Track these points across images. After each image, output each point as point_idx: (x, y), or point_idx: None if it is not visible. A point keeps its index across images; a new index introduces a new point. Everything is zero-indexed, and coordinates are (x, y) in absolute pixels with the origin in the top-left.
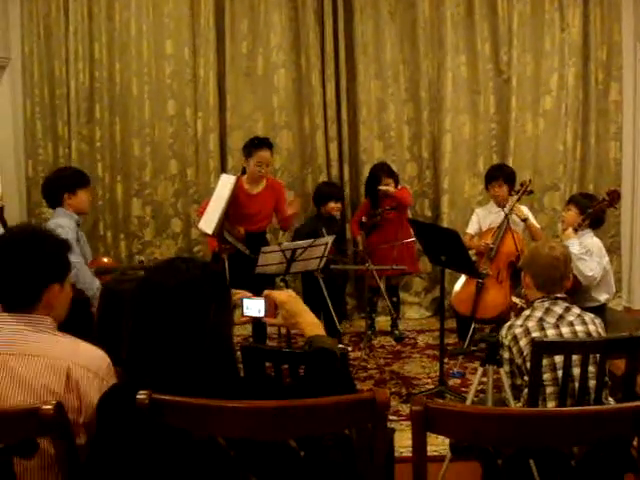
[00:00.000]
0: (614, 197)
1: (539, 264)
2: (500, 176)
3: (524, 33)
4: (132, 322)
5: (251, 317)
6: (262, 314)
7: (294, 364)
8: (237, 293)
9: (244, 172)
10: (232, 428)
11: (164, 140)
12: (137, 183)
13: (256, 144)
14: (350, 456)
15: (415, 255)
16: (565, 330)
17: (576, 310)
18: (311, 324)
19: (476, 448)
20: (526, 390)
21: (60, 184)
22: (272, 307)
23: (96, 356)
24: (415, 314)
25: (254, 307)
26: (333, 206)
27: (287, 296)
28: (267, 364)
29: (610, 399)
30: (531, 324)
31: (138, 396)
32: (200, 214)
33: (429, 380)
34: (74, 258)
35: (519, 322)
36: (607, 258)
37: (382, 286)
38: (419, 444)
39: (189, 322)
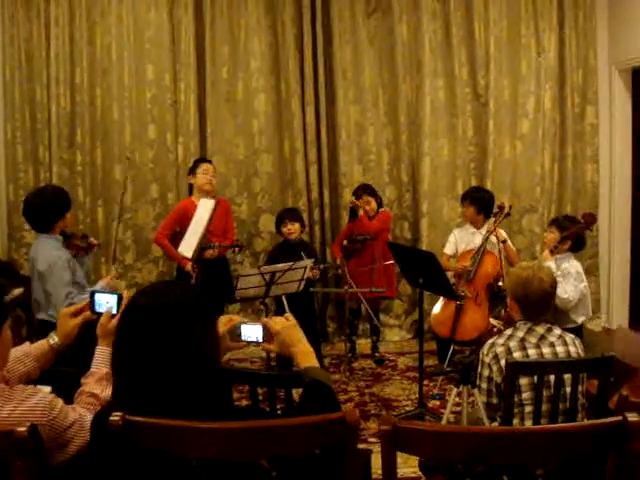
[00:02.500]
0: (589, 220)
1: (529, 297)
2: (466, 198)
3: (501, 57)
4: (120, 346)
5: (248, 343)
6: (260, 340)
7: (272, 387)
8: (232, 319)
9: (191, 193)
10: (204, 449)
11: (145, 164)
12: (118, 207)
13: (199, 160)
14: (323, 476)
15: (393, 280)
16: (546, 350)
17: (557, 331)
18: (304, 353)
19: (445, 466)
20: None
21: (51, 212)
22: (270, 333)
23: (30, 410)
24: (395, 336)
25: (252, 333)
26: (288, 228)
27: (281, 326)
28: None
29: (585, 420)
30: (513, 344)
31: (111, 418)
32: (162, 235)
33: (409, 402)
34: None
35: (501, 341)
36: (585, 282)
37: (364, 308)
38: (389, 463)
39: (175, 343)
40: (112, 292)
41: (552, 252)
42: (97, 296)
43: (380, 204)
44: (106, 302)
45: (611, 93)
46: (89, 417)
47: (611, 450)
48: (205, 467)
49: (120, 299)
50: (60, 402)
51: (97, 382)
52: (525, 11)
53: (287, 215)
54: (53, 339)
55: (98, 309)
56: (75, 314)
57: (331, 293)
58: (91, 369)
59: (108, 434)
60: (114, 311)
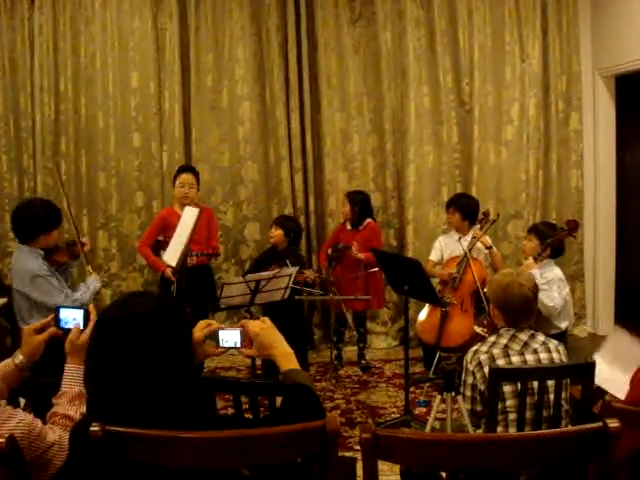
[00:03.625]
0: (572, 227)
1: (510, 302)
2: (452, 205)
3: (485, 64)
4: (93, 358)
5: (227, 348)
6: (238, 345)
7: (254, 395)
8: (211, 324)
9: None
10: (184, 458)
11: (130, 173)
12: (103, 216)
13: (179, 170)
14: None
15: (381, 290)
16: (529, 357)
17: (541, 337)
18: (284, 356)
19: (426, 474)
20: None
21: (37, 226)
22: (248, 338)
23: (10, 432)
24: (382, 343)
25: (230, 338)
26: (271, 232)
27: (260, 328)
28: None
29: (569, 427)
30: (496, 351)
31: (91, 428)
32: (143, 244)
33: (395, 409)
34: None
35: (484, 348)
36: (567, 289)
37: (349, 317)
38: (369, 472)
39: (146, 354)
40: (78, 307)
41: (536, 260)
42: (62, 311)
43: (365, 214)
44: (73, 318)
45: (595, 99)
46: (66, 438)
47: (592, 456)
48: (185, 476)
49: (87, 314)
50: (39, 423)
51: (70, 403)
52: (509, 18)
53: (276, 220)
54: (18, 358)
55: (64, 325)
56: (40, 330)
57: (317, 301)
58: (62, 388)
59: (87, 446)
60: (81, 326)
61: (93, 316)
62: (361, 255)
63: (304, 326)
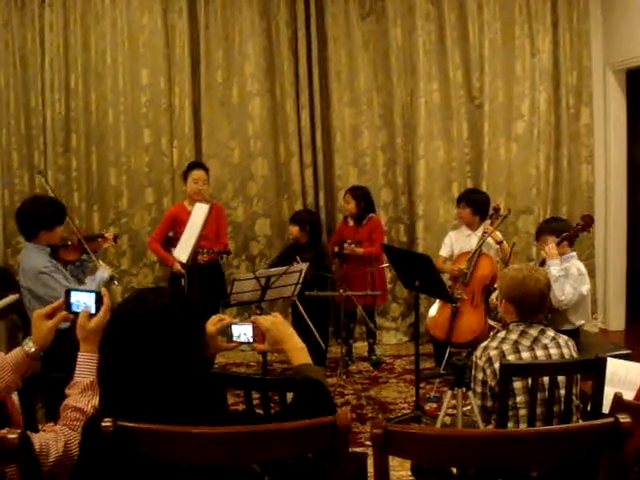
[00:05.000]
0: (587, 222)
1: (527, 298)
2: (462, 200)
3: (495, 59)
4: (106, 352)
5: (240, 343)
6: (251, 340)
7: (265, 391)
8: (224, 319)
9: None
10: (196, 454)
11: (140, 169)
12: (113, 212)
13: (190, 166)
14: (315, 479)
15: (384, 285)
16: (540, 353)
17: (550, 332)
18: (296, 350)
19: (437, 470)
20: None
21: (38, 221)
22: (260, 332)
23: None
24: (392, 339)
25: (243, 333)
26: (290, 229)
27: (271, 323)
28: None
29: (580, 422)
30: (506, 347)
31: (103, 423)
32: (153, 240)
33: (406, 405)
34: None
35: (494, 344)
36: (588, 285)
37: (359, 311)
38: (380, 467)
39: (158, 350)
40: (89, 290)
41: (558, 245)
42: (73, 295)
43: (369, 209)
44: (83, 302)
45: (605, 94)
46: (76, 439)
47: (604, 451)
48: (196, 472)
49: (98, 297)
50: (37, 441)
51: (81, 393)
52: (519, 13)
53: (291, 217)
54: (28, 346)
55: (75, 309)
56: (50, 315)
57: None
58: (75, 378)
59: (99, 441)
60: (92, 310)
61: (106, 300)
62: (359, 250)
63: (328, 323)
